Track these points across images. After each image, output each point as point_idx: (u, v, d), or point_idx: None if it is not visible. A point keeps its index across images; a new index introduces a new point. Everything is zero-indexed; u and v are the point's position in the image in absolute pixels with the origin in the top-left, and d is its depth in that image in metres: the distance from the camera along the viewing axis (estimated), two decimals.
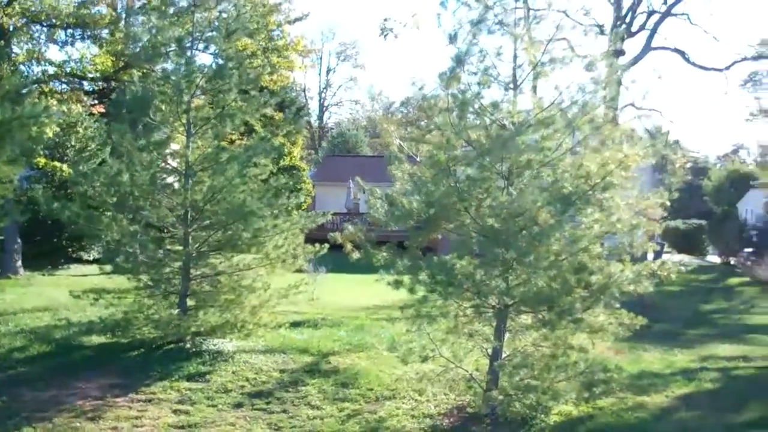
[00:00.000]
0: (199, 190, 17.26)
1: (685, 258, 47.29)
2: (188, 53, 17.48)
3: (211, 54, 18.40)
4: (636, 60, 41.11)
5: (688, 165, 75.03)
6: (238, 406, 14.08)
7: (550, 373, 13.09)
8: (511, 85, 13.63)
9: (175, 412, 13.60)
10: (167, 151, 18.12)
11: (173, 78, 17.35)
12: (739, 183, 61.18)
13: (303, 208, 23.22)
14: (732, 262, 45.82)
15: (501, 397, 13.23)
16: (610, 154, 12.93)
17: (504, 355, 13.72)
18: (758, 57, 47.14)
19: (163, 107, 17.60)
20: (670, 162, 52.69)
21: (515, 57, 13.57)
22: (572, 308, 12.49)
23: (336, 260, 17.49)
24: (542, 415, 13.61)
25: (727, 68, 46.11)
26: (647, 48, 41.96)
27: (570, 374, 13.20)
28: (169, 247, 17.87)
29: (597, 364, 13.59)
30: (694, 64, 45.55)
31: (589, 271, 12.84)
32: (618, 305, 13.45)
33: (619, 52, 34.10)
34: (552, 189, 12.90)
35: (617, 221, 13.22)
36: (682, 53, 44.67)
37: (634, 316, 13.51)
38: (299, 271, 20.02)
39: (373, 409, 14.01)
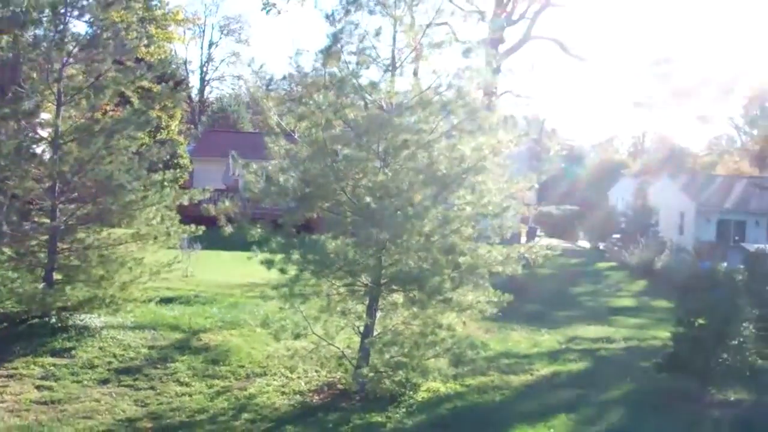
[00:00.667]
0: (67, 162, 16.66)
1: (556, 242, 48.84)
2: (62, 20, 16.81)
3: (85, 22, 17.76)
4: (515, 48, 41.92)
5: (564, 153, 77.46)
6: (104, 382, 13.79)
7: (420, 350, 13.36)
8: (391, 67, 13.73)
9: (38, 387, 13.24)
10: (37, 120, 17.38)
11: (44, 45, 16.68)
12: (611, 171, 63.71)
13: (179, 183, 22.75)
14: (601, 248, 47.60)
15: (371, 374, 13.40)
16: (484, 139, 13.25)
17: (375, 333, 13.90)
18: (633, 49, 48.94)
19: (33, 75, 16.90)
20: (546, 149, 54.40)
21: (395, 39, 13.68)
22: (442, 287, 12.76)
23: (213, 238, 17.27)
24: (411, 392, 13.89)
25: (602, 59, 47.74)
26: (527, 37, 42.82)
27: (439, 352, 13.51)
28: (36, 219, 17.23)
29: (465, 342, 13.91)
30: (571, 54, 46.80)
31: (460, 252, 13.16)
32: (488, 285, 13.86)
33: (498, 41, 34.78)
34: (427, 171, 13.10)
35: (488, 204, 13.55)
36: (560, 43, 45.77)
37: (502, 293, 13.87)
38: (173, 247, 19.65)
39: (243, 386, 13.98)
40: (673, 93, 56.23)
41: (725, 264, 24.82)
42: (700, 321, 15.17)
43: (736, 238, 41.70)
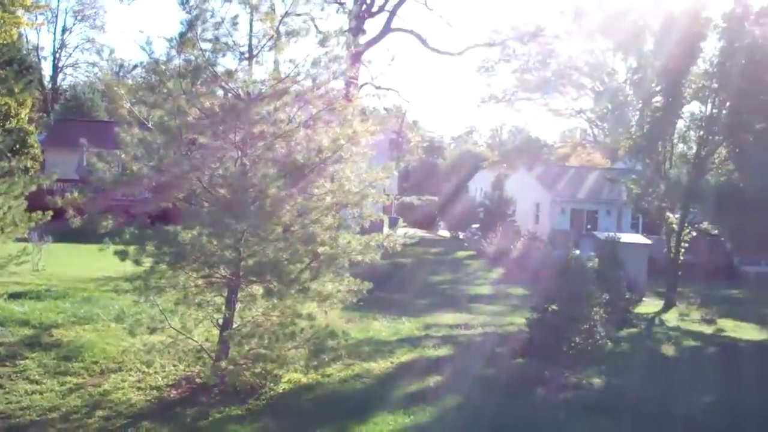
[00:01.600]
0: None
1: (418, 232, 49.67)
2: None
3: None
4: (376, 40, 42.16)
5: (425, 144, 78.77)
6: None
7: (279, 341, 13.26)
8: (248, 55, 13.53)
9: None
10: None
11: None
12: (470, 163, 65.22)
13: (30, 173, 21.69)
14: (461, 237, 48.74)
15: (230, 367, 13.20)
16: (341, 129, 13.27)
17: (234, 325, 13.71)
18: (490, 44, 50.11)
19: None
20: (407, 140, 55.14)
21: (251, 27, 13.48)
22: (301, 278, 12.74)
23: (66, 231, 16.61)
24: (272, 384, 13.82)
25: (460, 54, 48.59)
26: (387, 29, 43.13)
27: (299, 342, 13.46)
28: None
29: (326, 332, 13.92)
30: (431, 47, 47.52)
31: (320, 242, 13.16)
32: (348, 275, 13.93)
33: (358, 31, 34.88)
34: (285, 161, 13.01)
35: (348, 193, 13.61)
36: (419, 36, 46.37)
37: (361, 282, 13.96)
38: (23, 240, 18.79)
39: (98, 383, 13.52)
40: (527, 87, 57.79)
41: (578, 252, 25.87)
42: (553, 307, 15.73)
43: (589, 226, 43.59)
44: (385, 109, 42.59)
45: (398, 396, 14.21)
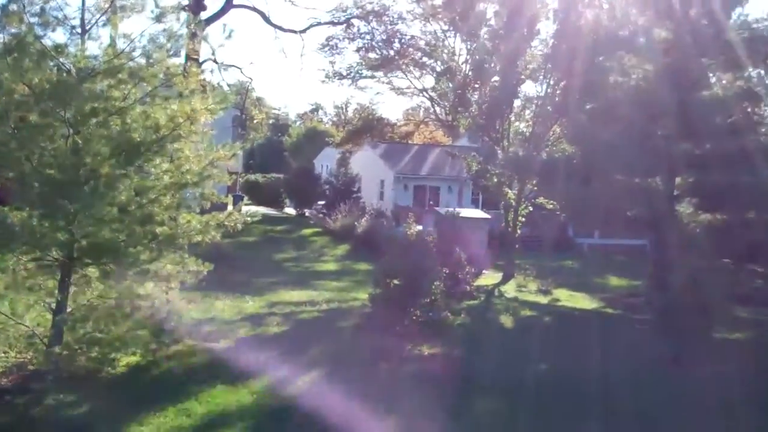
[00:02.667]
0: None
1: (264, 210, 49.40)
2: None
3: None
4: (217, 16, 41.32)
5: (271, 122, 78.26)
6: None
7: (117, 325, 12.97)
8: (80, 30, 13.04)
9: None
10: None
11: None
12: (316, 140, 65.32)
13: None
14: (307, 214, 48.80)
15: (65, 353, 12.78)
16: (179, 107, 13.03)
17: (69, 309, 13.26)
18: (334, 23, 50.21)
19: None
20: (252, 118, 54.66)
21: (83, 1, 12.99)
22: (139, 259, 12.48)
23: None
24: (109, 368, 13.47)
25: (304, 31, 48.45)
26: (229, 5, 42.34)
27: (137, 325, 13.19)
28: None
29: (165, 312, 13.70)
30: (273, 25, 47.10)
31: (158, 222, 12.91)
32: (187, 255, 13.75)
33: (199, 6, 34.14)
34: (120, 138, 12.64)
35: (187, 172, 13.40)
36: (262, 13, 45.94)
37: (202, 263, 13.82)
38: None
39: None
40: (371, 66, 58.42)
41: (420, 227, 26.49)
42: (395, 281, 16.08)
43: (431, 202, 44.56)
44: (228, 86, 41.89)
45: (240, 372, 14.08)
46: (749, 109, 22.26)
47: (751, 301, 27.24)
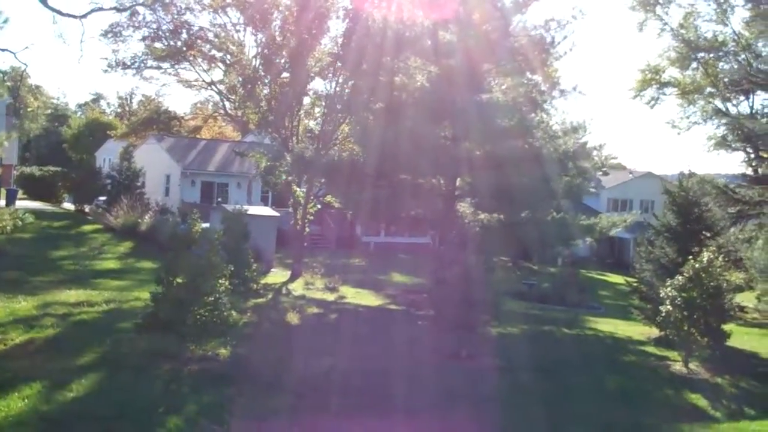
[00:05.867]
0: None
1: (40, 205, 46.70)
2: None
3: None
4: None
5: (48, 111, 74.05)
6: None
7: None
8: None
9: None
10: None
11: None
12: (98, 132, 62.53)
13: None
14: (87, 210, 46.56)
15: None
16: None
17: None
18: (118, 9, 48.11)
19: None
20: (27, 106, 51.42)
21: None
22: None
23: None
24: None
25: (84, 16, 46.07)
26: None
27: None
28: None
29: None
30: (51, 8, 44.41)
31: None
32: None
33: None
34: None
35: None
36: None
37: None
38: None
39: None
40: (157, 56, 56.69)
41: (207, 224, 26.00)
42: (179, 280, 15.65)
43: (219, 199, 43.93)
44: (1, 72, 39.23)
45: (10, 379, 13.25)
46: (528, 114, 23.59)
47: (525, 297, 29.17)
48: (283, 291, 25.80)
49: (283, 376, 15.02)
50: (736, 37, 45.25)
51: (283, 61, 30.93)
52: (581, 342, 21.89)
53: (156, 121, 61.96)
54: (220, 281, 16.00)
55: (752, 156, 39.98)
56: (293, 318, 21.37)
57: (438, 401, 14.35)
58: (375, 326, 21.20)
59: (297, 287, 26.68)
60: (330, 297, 25.37)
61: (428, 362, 17.13)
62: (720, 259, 19.38)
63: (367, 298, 26.06)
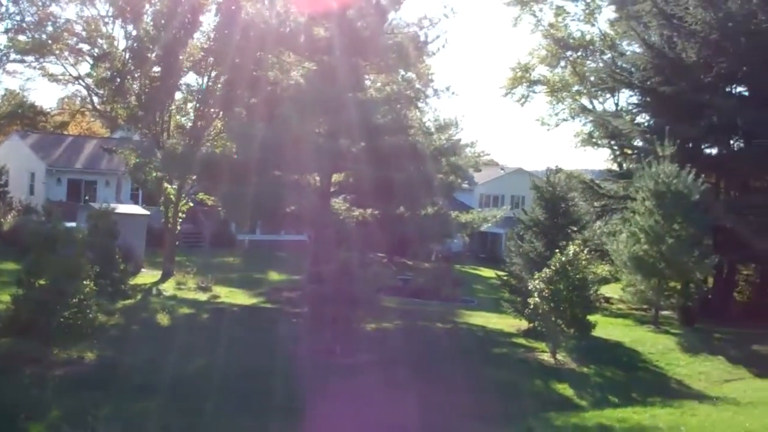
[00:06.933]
0: None
1: None
2: None
3: None
4: None
5: None
6: None
7: None
8: None
9: None
10: None
11: None
12: None
13: None
14: None
15: None
16: None
17: None
18: None
19: None
20: None
21: None
22: None
23: None
24: None
25: None
26: None
27: None
28: None
29: None
30: None
31: None
32: None
33: None
34: None
35: None
36: None
37: None
38: None
39: None
40: (21, 49, 54.31)
41: (74, 223, 25.00)
42: (41, 281, 15.03)
43: (87, 197, 42.47)
44: None
45: None
46: (402, 111, 23.76)
47: (400, 292, 29.41)
48: (154, 291, 25.15)
49: (152, 379, 14.66)
50: (602, 37, 47.20)
51: (153, 55, 30.08)
52: (454, 335, 22.28)
53: (20, 117, 59.40)
54: (85, 282, 15.45)
55: (617, 152, 41.75)
56: (163, 319, 20.87)
57: (311, 399, 14.26)
58: (248, 325, 20.95)
59: (168, 287, 26.06)
60: (202, 297, 24.91)
61: (302, 360, 17.05)
62: (585, 252, 20.09)
63: (241, 297, 25.74)
